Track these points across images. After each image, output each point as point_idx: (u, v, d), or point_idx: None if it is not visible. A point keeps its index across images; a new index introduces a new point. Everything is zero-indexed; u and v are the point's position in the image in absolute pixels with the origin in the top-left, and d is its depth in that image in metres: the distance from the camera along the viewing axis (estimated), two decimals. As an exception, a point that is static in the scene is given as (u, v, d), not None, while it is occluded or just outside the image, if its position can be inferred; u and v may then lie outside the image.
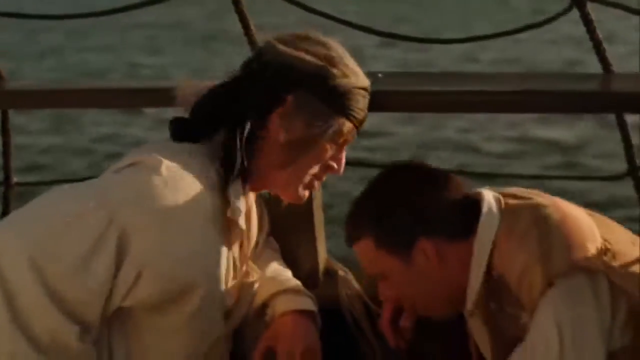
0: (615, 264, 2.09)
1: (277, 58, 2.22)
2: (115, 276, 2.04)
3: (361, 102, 2.27)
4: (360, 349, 2.63)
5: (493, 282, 2.18)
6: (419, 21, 18.73)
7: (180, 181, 2.10)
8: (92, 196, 2.07)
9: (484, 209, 2.23)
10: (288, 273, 2.53)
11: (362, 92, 2.27)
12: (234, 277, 2.29)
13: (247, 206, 2.31)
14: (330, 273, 2.74)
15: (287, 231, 2.64)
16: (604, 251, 2.10)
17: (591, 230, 2.15)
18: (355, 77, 2.26)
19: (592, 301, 2.06)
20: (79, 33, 17.33)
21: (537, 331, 2.07)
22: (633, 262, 2.11)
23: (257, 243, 2.47)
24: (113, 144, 10.58)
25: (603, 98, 2.57)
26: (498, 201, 2.24)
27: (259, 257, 2.49)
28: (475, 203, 2.26)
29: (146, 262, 2.06)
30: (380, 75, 2.71)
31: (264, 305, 2.43)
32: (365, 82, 2.28)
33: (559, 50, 14.80)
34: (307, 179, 2.27)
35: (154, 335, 2.17)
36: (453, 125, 11.02)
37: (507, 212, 2.21)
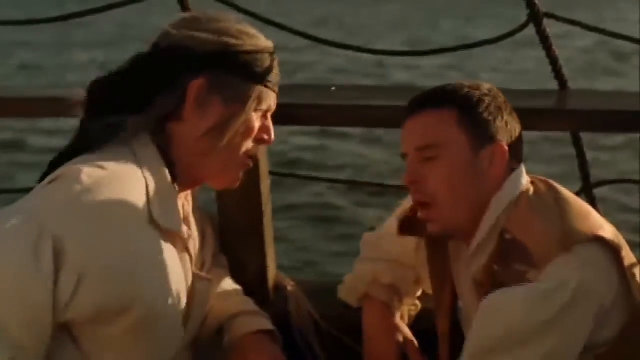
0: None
1: (172, 45, 2.13)
2: (55, 285, 1.94)
3: (270, 64, 2.19)
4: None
5: (505, 245, 2.15)
6: (344, 20, 18.62)
7: (105, 186, 2.00)
8: (17, 216, 1.97)
9: (516, 172, 2.22)
10: (240, 292, 2.47)
11: (267, 54, 2.19)
12: (183, 286, 2.18)
13: (184, 210, 2.23)
14: (280, 288, 2.70)
15: (236, 246, 2.59)
16: (619, 240, 2.12)
17: (605, 221, 2.17)
18: (256, 40, 2.18)
19: (601, 272, 2.06)
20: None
21: (540, 282, 2.05)
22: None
23: (203, 261, 2.40)
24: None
25: (558, 116, 2.55)
26: (527, 179, 2.24)
27: (209, 275, 2.40)
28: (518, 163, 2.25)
29: (84, 268, 1.95)
30: (333, 88, 2.68)
31: (220, 329, 2.36)
32: (267, 43, 2.20)
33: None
34: (239, 159, 2.20)
35: (110, 354, 2.07)
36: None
37: (535, 190, 2.21)
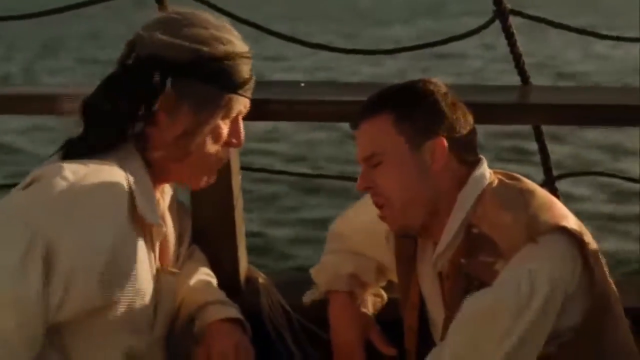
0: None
1: (147, 50, 2.16)
2: (46, 291, 1.98)
3: (244, 71, 2.22)
4: (280, 357, 2.63)
5: (471, 239, 2.20)
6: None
7: (91, 181, 2.04)
8: (5, 218, 2.00)
9: (480, 168, 2.26)
10: (213, 282, 2.51)
11: (243, 59, 2.21)
12: (155, 279, 2.23)
13: (159, 206, 2.26)
14: (251, 281, 2.74)
15: (209, 239, 2.62)
16: (581, 229, 2.17)
17: (568, 211, 2.22)
18: (231, 46, 2.20)
19: (568, 264, 2.11)
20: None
21: (509, 275, 2.09)
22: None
23: (178, 254, 2.45)
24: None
25: (521, 110, 2.60)
26: (490, 173, 2.28)
27: (182, 268, 2.46)
28: (477, 159, 2.28)
29: (73, 270, 2.00)
30: (302, 84, 2.70)
31: (191, 319, 2.40)
32: (243, 47, 2.22)
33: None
34: (210, 162, 2.24)
35: (89, 347, 2.12)
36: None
37: (498, 184, 2.25)
